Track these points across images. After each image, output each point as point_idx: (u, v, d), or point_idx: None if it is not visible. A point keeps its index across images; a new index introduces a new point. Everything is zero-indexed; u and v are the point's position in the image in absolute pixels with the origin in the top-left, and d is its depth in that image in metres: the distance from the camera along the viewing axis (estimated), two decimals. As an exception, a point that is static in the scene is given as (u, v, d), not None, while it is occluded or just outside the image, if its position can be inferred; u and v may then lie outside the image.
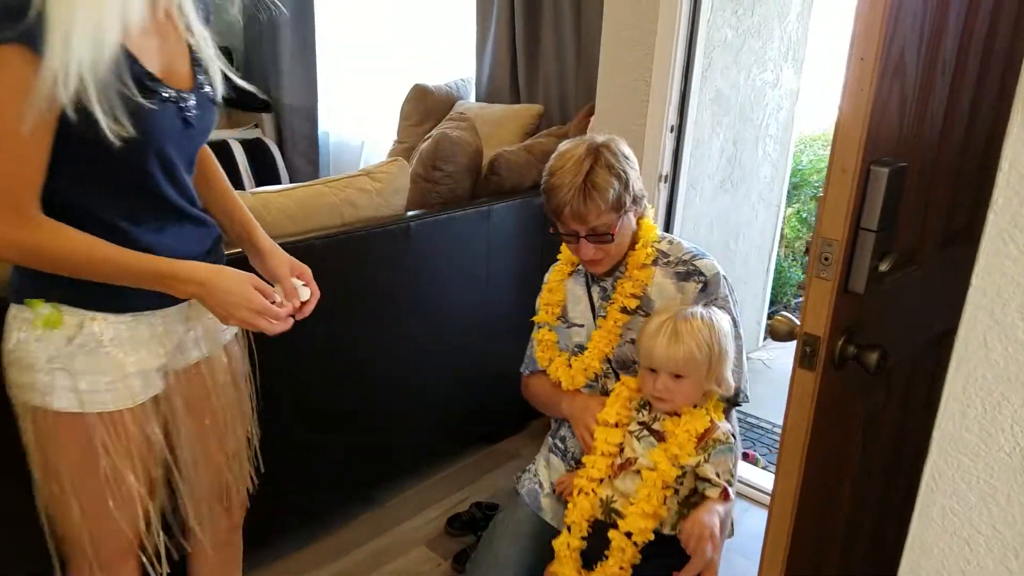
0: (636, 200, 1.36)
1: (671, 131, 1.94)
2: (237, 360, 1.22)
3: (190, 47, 1.01)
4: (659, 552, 1.22)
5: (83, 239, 0.93)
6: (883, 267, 0.92)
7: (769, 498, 2.13)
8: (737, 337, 1.37)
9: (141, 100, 0.90)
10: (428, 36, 3.32)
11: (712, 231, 2.36)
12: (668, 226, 2.10)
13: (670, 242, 1.42)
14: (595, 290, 1.46)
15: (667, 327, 1.25)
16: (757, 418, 2.53)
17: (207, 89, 1.03)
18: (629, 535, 1.22)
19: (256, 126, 3.82)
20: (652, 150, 1.95)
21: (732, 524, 1.51)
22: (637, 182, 1.36)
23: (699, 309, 1.28)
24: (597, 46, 2.35)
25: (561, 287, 1.49)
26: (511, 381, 1.61)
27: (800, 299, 3.61)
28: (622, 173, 1.31)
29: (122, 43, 0.88)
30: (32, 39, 0.80)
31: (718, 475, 1.23)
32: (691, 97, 1.92)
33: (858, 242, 0.89)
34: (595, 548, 1.28)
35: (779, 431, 2.46)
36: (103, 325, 0.98)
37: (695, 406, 1.27)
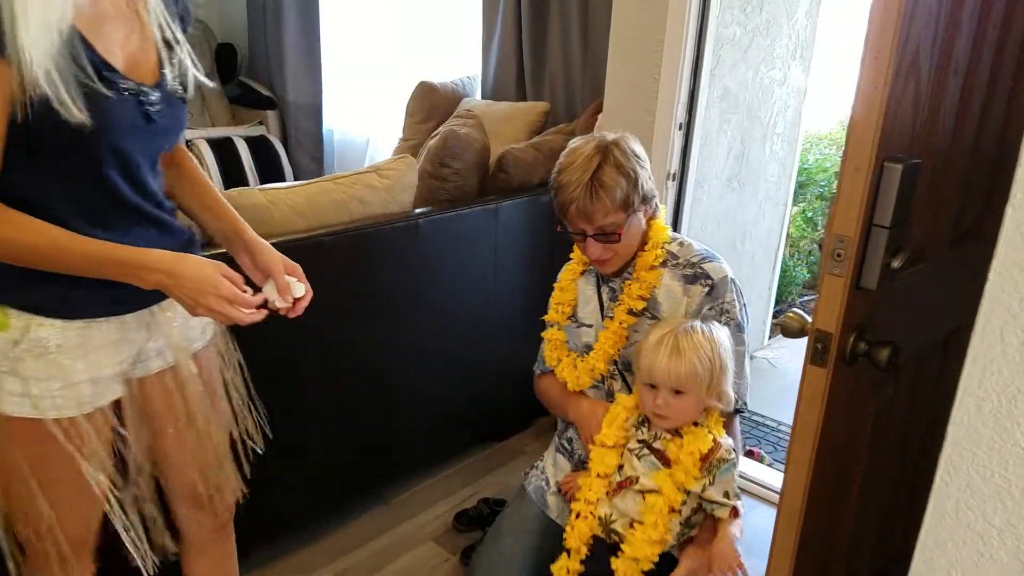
0: (646, 200, 1.33)
1: (679, 129, 1.95)
2: (212, 369, 1.18)
3: (163, 44, 0.99)
4: (659, 571, 1.22)
5: (46, 229, 0.90)
6: (895, 264, 0.92)
7: (774, 495, 2.14)
8: (740, 343, 1.35)
9: (98, 87, 0.88)
10: (433, 33, 3.32)
11: (719, 230, 2.36)
12: (676, 225, 2.10)
13: (680, 244, 1.41)
14: (605, 290, 1.45)
15: (667, 342, 1.22)
16: (762, 416, 2.53)
17: (173, 86, 1.00)
18: (636, 560, 1.21)
19: (260, 123, 3.82)
20: (660, 148, 1.96)
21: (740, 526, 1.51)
22: (647, 182, 1.33)
23: (699, 323, 1.26)
24: (603, 43, 2.35)
25: (572, 286, 1.48)
26: (517, 378, 1.62)
27: (805, 298, 3.61)
28: (631, 172, 1.29)
29: (79, 31, 0.86)
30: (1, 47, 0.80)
31: (727, 494, 1.22)
32: (700, 95, 1.92)
33: (871, 239, 0.90)
34: (595, 566, 1.26)
35: (784, 429, 2.48)
36: (50, 331, 0.95)
37: (695, 423, 1.25)
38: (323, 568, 1.76)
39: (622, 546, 1.22)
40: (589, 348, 1.43)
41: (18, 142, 0.87)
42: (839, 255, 0.90)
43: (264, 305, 1.04)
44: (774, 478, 2.12)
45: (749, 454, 2.25)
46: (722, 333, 1.26)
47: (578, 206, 1.28)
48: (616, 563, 1.23)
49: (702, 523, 1.26)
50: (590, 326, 1.45)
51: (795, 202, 3.35)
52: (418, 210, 1.89)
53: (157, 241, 1.00)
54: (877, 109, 0.84)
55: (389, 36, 3.43)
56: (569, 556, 1.29)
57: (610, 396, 1.42)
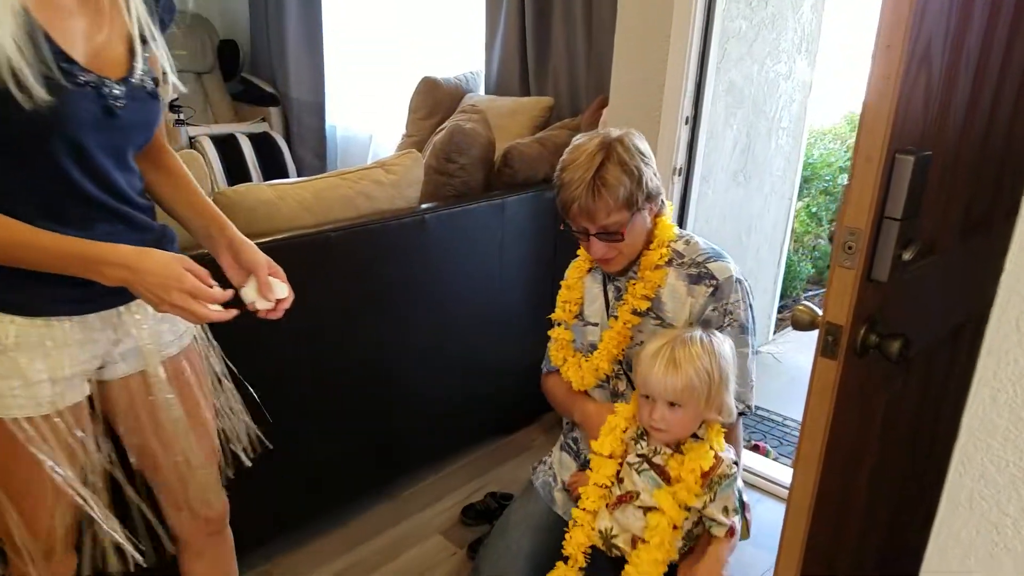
0: (650, 197, 1.31)
1: (686, 123, 1.94)
2: (189, 376, 1.15)
3: (137, 39, 0.97)
4: None
5: (4, 222, 0.88)
6: (906, 256, 0.92)
7: (779, 489, 2.14)
8: (743, 345, 1.33)
9: (55, 76, 0.86)
10: (436, 28, 3.32)
11: (724, 224, 2.36)
12: (682, 219, 2.10)
13: (687, 242, 1.38)
14: (610, 289, 1.43)
15: (664, 353, 1.18)
16: (767, 411, 2.54)
17: (141, 81, 0.97)
18: None
19: (263, 120, 3.82)
20: (667, 142, 1.95)
21: (749, 525, 1.51)
22: (652, 179, 1.30)
23: (699, 333, 1.22)
24: (607, 38, 2.34)
25: (579, 284, 1.46)
26: (523, 373, 1.62)
27: (809, 294, 3.61)
28: (634, 170, 1.26)
29: (36, 21, 0.85)
30: None
31: (726, 509, 1.20)
32: (706, 88, 1.92)
33: (882, 230, 0.90)
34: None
35: (789, 424, 2.48)
36: (9, 328, 0.93)
37: (695, 434, 1.22)
38: (333, 561, 1.77)
39: (627, 567, 1.21)
40: (594, 347, 1.42)
41: None
42: (850, 247, 0.90)
43: (236, 304, 1.01)
44: (779, 472, 2.12)
45: (755, 448, 2.26)
46: (724, 343, 1.22)
47: (580, 205, 1.26)
48: None
49: (703, 533, 1.25)
50: (596, 325, 1.44)
51: (799, 197, 3.35)
52: (424, 205, 1.89)
53: (125, 237, 0.97)
54: (889, 100, 0.83)
55: (392, 31, 3.42)
56: (567, 563, 1.28)
57: (615, 396, 1.42)
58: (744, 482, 1.59)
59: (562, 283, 1.50)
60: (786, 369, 2.84)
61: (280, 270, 1.10)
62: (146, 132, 1.02)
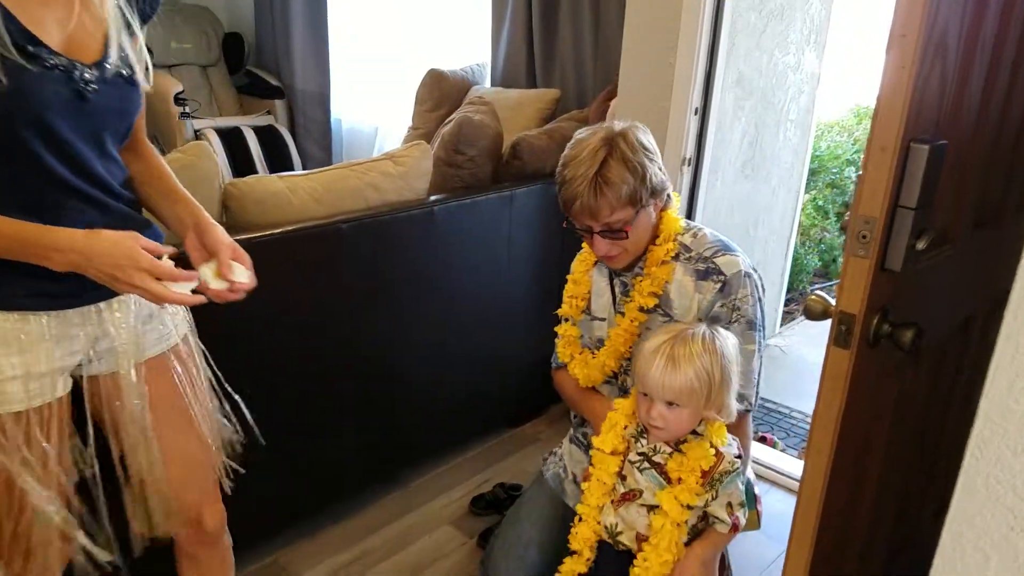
0: (655, 193, 1.27)
1: (695, 114, 1.94)
2: (173, 373, 1.11)
3: (112, 26, 0.96)
4: None
5: None
6: (920, 245, 0.92)
7: (787, 479, 2.15)
8: (750, 342, 1.31)
9: (14, 57, 0.85)
10: (442, 20, 3.31)
11: (732, 216, 2.36)
12: (691, 211, 2.10)
13: (694, 234, 1.35)
14: (617, 283, 1.41)
15: (664, 351, 1.14)
16: (775, 403, 2.54)
17: (116, 67, 0.95)
18: None
19: (268, 113, 3.83)
20: (676, 133, 1.95)
21: (760, 516, 1.51)
22: (657, 174, 1.27)
23: (703, 330, 1.18)
24: (614, 30, 2.34)
25: (585, 278, 1.44)
26: (531, 365, 1.62)
27: (815, 287, 3.61)
28: (638, 166, 1.23)
29: (2, 4, 0.85)
30: None
31: (730, 505, 1.19)
32: (715, 79, 1.92)
33: (896, 220, 0.90)
34: (605, 572, 1.26)
35: (796, 416, 2.49)
36: None
37: (695, 431, 1.20)
38: (344, 551, 1.79)
39: (635, 570, 1.20)
40: (602, 342, 1.41)
41: None
42: (864, 236, 0.90)
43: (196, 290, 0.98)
44: (786, 463, 2.13)
45: (762, 440, 2.27)
46: (728, 342, 1.19)
47: (583, 203, 1.23)
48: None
49: (708, 527, 1.24)
50: (603, 320, 1.42)
51: (806, 190, 3.35)
52: (434, 197, 1.90)
53: (100, 225, 0.94)
54: (904, 89, 0.83)
55: (397, 24, 3.42)
56: (574, 558, 1.28)
57: (624, 392, 1.41)
58: (755, 474, 1.60)
59: (568, 277, 1.48)
60: (792, 362, 2.85)
61: (246, 257, 1.05)
62: (123, 119, 1.00)
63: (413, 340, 1.90)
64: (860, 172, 0.91)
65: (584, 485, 1.29)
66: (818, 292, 1.04)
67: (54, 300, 0.96)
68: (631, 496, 1.22)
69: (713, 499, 1.19)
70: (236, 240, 1.07)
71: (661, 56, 1.92)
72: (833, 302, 0.97)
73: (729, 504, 1.20)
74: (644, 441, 1.23)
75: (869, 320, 0.94)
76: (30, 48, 0.87)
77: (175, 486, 1.14)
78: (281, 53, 3.77)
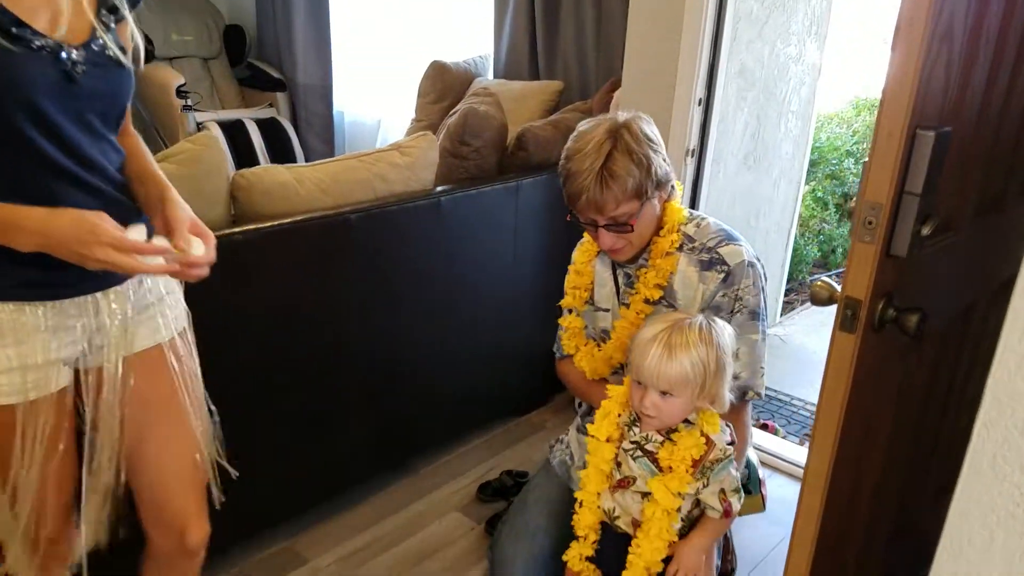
0: (660, 185, 1.27)
1: (699, 104, 1.95)
2: (165, 366, 1.09)
3: (103, 9, 0.96)
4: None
5: None
6: (925, 231, 0.94)
7: (788, 465, 2.17)
8: (753, 331, 1.31)
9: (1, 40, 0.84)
10: (444, 12, 3.31)
11: (734, 207, 2.37)
12: (694, 202, 2.11)
13: (697, 224, 1.35)
14: (620, 274, 1.41)
15: (660, 340, 1.14)
16: (776, 391, 2.57)
17: (102, 47, 0.95)
18: (647, 569, 1.22)
19: (270, 105, 3.82)
20: (679, 124, 1.96)
21: (764, 499, 1.53)
22: (661, 166, 1.26)
23: (699, 320, 1.18)
24: (617, 21, 2.34)
25: (588, 269, 1.44)
26: (537, 354, 1.63)
27: (814, 277, 3.63)
28: (643, 159, 1.22)
29: None
30: None
31: (723, 491, 1.20)
32: (718, 70, 1.93)
33: (902, 206, 0.91)
34: (609, 552, 1.27)
35: (796, 403, 2.51)
36: None
37: (687, 420, 1.20)
38: (355, 537, 1.81)
39: (630, 556, 1.22)
40: (606, 333, 1.42)
41: None
42: (870, 222, 0.91)
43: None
44: (788, 450, 2.16)
45: (764, 427, 2.29)
46: (724, 332, 1.19)
47: (588, 197, 1.22)
48: (628, 573, 1.23)
49: (702, 514, 1.26)
50: (607, 310, 1.43)
51: (806, 181, 3.36)
52: (440, 188, 1.91)
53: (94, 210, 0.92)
54: (911, 77, 0.85)
55: (399, 16, 3.41)
56: (579, 542, 1.30)
57: None
58: (760, 461, 1.62)
59: (570, 267, 1.47)
60: (793, 351, 2.87)
61: (209, 234, 1.02)
62: (114, 102, 1.00)
63: (421, 329, 1.92)
64: (865, 160, 0.92)
65: (581, 473, 1.30)
66: (824, 278, 1.05)
67: (50, 290, 0.95)
68: (626, 483, 1.23)
69: (704, 487, 1.19)
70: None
71: (664, 47, 1.92)
72: (838, 288, 0.99)
73: (722, 491, 1.20)
74: (636, 429, 1.24)
75: (875, 305, 0.95)
76: (14, 30, 0.87)
77: (162, 490, 1.12)
78: (283, 46, 3.76)
